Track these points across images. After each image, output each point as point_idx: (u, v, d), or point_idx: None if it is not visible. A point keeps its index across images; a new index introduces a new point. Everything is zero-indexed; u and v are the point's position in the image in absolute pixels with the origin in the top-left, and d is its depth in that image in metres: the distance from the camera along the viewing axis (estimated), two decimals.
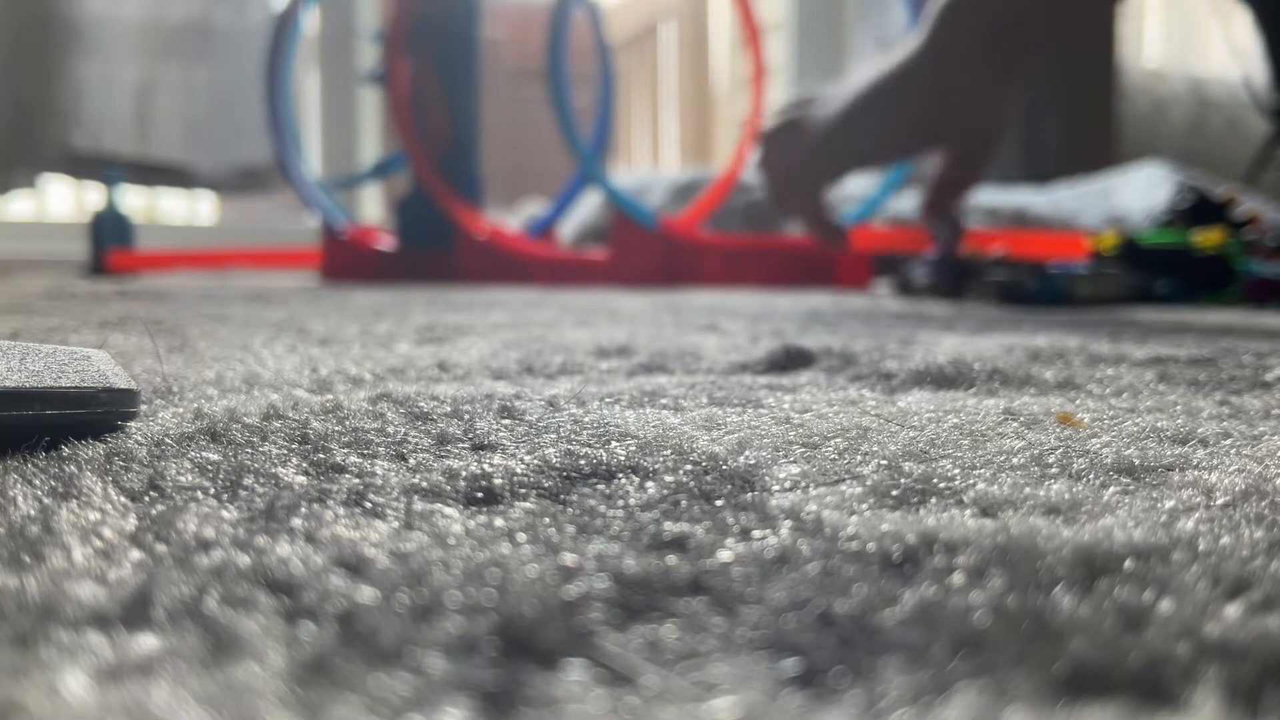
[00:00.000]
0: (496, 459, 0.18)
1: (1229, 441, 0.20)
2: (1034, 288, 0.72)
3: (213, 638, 0.10)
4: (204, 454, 0.18)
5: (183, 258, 1.37)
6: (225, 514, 0.15)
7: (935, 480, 0.16)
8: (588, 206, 1.54)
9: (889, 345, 0.39)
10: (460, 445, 0.19)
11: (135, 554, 0.13)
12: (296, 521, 0.14)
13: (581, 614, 0.11)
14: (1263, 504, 0.15)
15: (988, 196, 1.55)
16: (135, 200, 2.05)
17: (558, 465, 0.17)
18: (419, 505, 0.15)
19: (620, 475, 0.17)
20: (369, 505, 0.15)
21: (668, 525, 0.14)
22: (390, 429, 0.21)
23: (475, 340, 0.41)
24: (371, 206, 2.25)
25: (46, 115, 1.83)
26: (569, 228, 1.55)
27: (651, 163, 3.04)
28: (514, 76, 2.57)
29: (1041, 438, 0.20)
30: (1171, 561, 0.12)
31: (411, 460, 0.18)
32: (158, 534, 0.14)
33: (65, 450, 0.18)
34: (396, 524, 0.14)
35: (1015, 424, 0.22)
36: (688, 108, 2.95)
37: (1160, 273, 0.75)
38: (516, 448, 0.19)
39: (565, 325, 0.50)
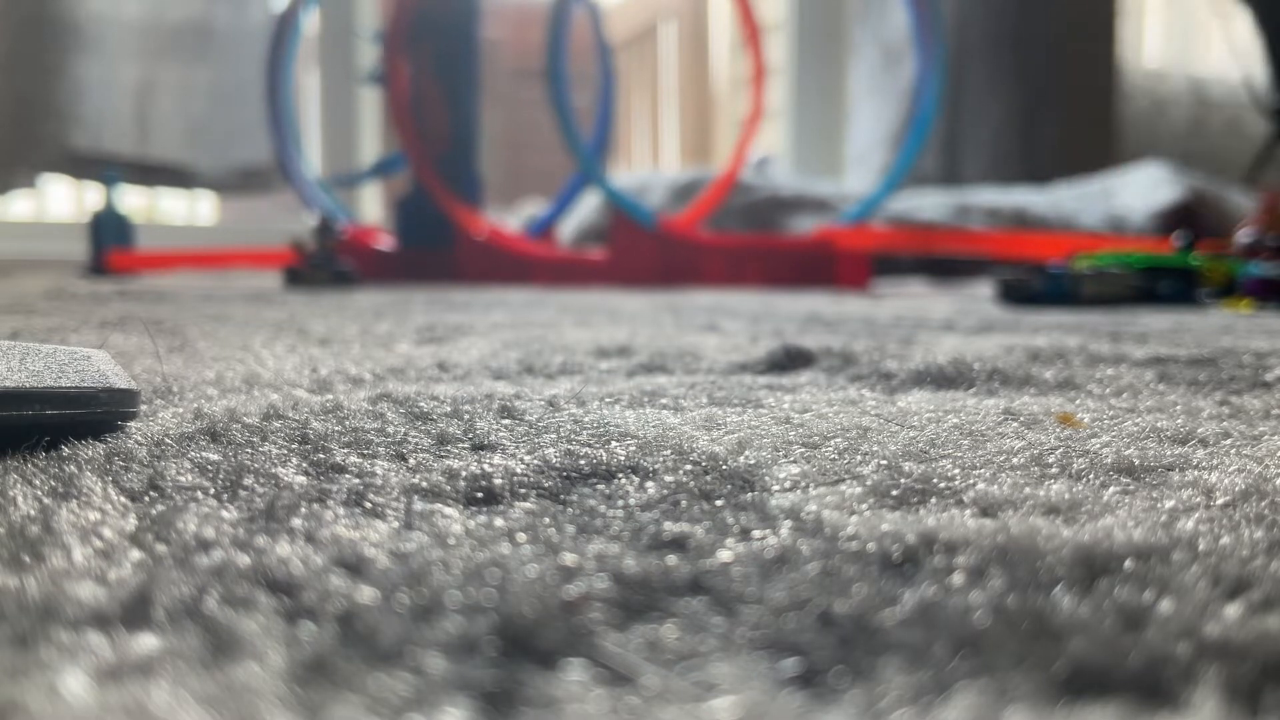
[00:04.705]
0: (496, 459, 0.18)
1: (1229, 441, 0.20)
2: (1039, 287, 0.72)
3: (213, 638, 0.10)
4: (204, 454, 0.18)
5: (183, 258, 1.37)
6: (225, 514, 0.15)
7: (935, 480, 0.16)
8: (588, 206, 1.54)
9: (889, 345, 0.39)
10: (460, 445, 0.19)
11: (135, 554, 0.13)
12: (296, 521, 0.14)
13: (581, 614, 0.11)
14: (1263, 504, 0.15)
15: (988, 196, 1.55)
16: (135, 200, 2.05)
17: (558, 465, 0.17)
18: (419, 505, 0.15)
19: (620, 475, 0.17)
20: (369, 505, 0.15)
21: (668, 525, 0.14)
22: (390, 429, 0.21)
23: (475, 340, 0.41)
24: (371, 206, 2.25)
25: (46, 115, 1.83)
26: (569, 228, 1.55)
27: (651, 163, 3.04)
28: (514, 76, 2.57)
29: (1041, 438, 0.20)
30: (1171, 561, 0.12)
31: (411, 460, 0.18)
32: (158, 534, 0.14)
33: (65, 450, 0.18)
34: (396, 524, 0.14)
35: (1015, 424, 0.22)
36: (688, 108, 2.95)
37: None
38: (516, 448, 0.19)
39: (565, 325, 0.50)
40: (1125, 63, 1.97)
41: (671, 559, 0.13)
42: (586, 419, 0.22)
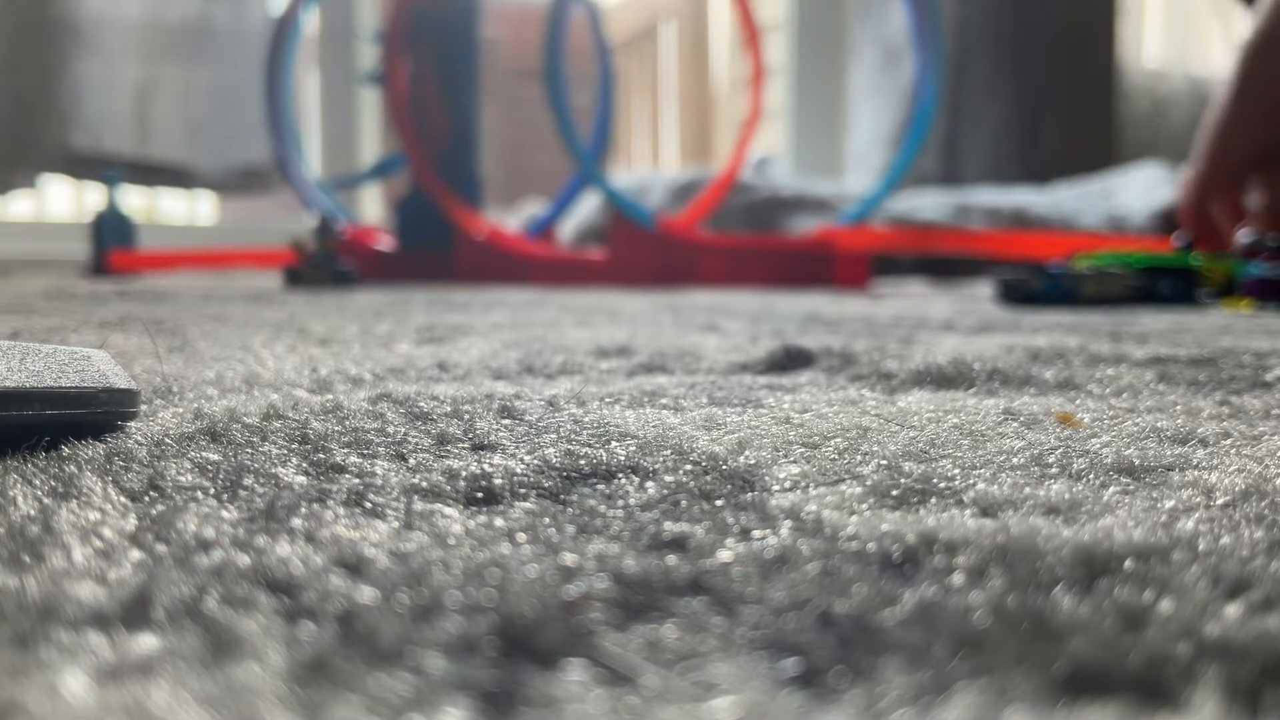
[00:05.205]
0: (496, 459, 0.18)
1: (1229, 441, 0.20)
2: (1039, 287, 0.72)
3: (213, 638, 0.10)
4: (204, 454, 0.18)
5: (183, 258, 1.37)
6: (225, 514, 0.15)
7: (935, 480, 0.16)
8: (587, 207, 1.54)
9: (889, 345, 0.39)
10: (460, 445, 0.19)
11: (135, 554, 0.13)
12: (296, 521, 0.14)
13: (581, 614, 0.11)
14: (1263, 504, 0.15)
15: (988, 196, 1.55)
16: (135, 200, 2.05)
17: (558, 465, 0.17)
18: (419, 505, 0.15)
19: (620, 475, 0.17)
20: (369, 505, 0.15)
21: (668, 525, 0.14)
22: (390, 429, 0.21)
23: (475, 340, 0.41)
24: (371, 207, 2.25)
25: (46, 115, 1.83)
26: (569, 228, 1.55)
27: (651, 163, 3.04)
28: (513, 76, 2.57)
29: (1041, 438, 0.20)
30: (1171, 561, 0.12)
31: (411, 460, 0.18)
32: (158, 534, 0.14)
33: (65, 450, 0.18)
34: (396, 524, 0.14)
35: (1015, 424, 0.22)
36: (688, 108, 2.95)
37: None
38: (516, 448, 0.19)
39: (565, 325, 0.50)
40: (1125, 63, 1.97)
41: (671, 559, 0.13)
42: (586, 419, 0.22)
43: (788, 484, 0.16)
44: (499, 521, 0.14)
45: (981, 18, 1.94)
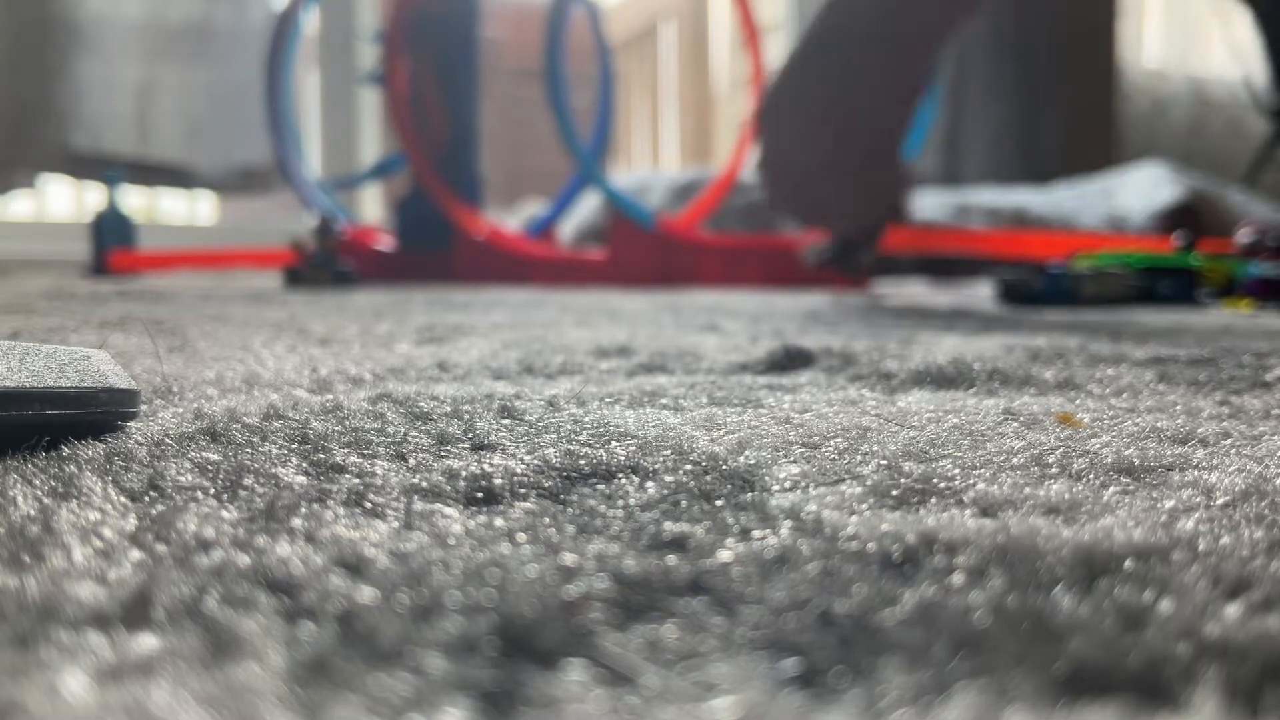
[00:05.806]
0: (496, 459, 0.18)
1: (1229, 441, 0.20)
2: (1039, 287, 0.72)
3: (213, 638, 0.10)
4: (204, 454, 0.18)
5: (183, 258, 1.37)
6: (225, 514, 0.15)
7: (935, 480, 0.16)
8: (587, 207, 1.54)
9: (889, 345, 0.39)
10: (460, 445, 0.19)
11: (135, 554, 0.13)
12: (296, 521, 0.14)
13: (581, 614, 0.11)
14: (1263, 504, 0.15)
15: (988, 196, 1.55)
16: (135, 200, 2.05)
17: (558, 465, 0.17)
18: (419, 505, 0.15)
19: (620, 475, 0.17)
20: (369, 505, 0.15)
21: (668, 525, 0.14)
22: (390, 429, 0.21)
23: (475, 340, 0.41)
24: (371, 207, 2.25)
25: (46, 115, 1.83)
26: (569, 228, 1.55)
27: (651, 163, 3.04)
28: (514, 76, 2.57)
29: (1041, 438, 0.20)
30: (1171, 561, 0.12)
31: (411, 460, 0.18)
32: (158, 534, 0.14)
33: (65, 450, 0.18)
34: (396, 524, 0.14)
35: (1015, 424, 0.22)
36: (688, 108, 2.95)
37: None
38: (516, 448, 0.19)
39: (565, 325, 0.50)
40: (1125, 63, 1.97)
41: (671, 559, 0.13)
42: (586, 419, 0.22)
43: (788, 484, 0.16)
44: (499, 521, 0.14)
45: (981, 18, 1.94)
